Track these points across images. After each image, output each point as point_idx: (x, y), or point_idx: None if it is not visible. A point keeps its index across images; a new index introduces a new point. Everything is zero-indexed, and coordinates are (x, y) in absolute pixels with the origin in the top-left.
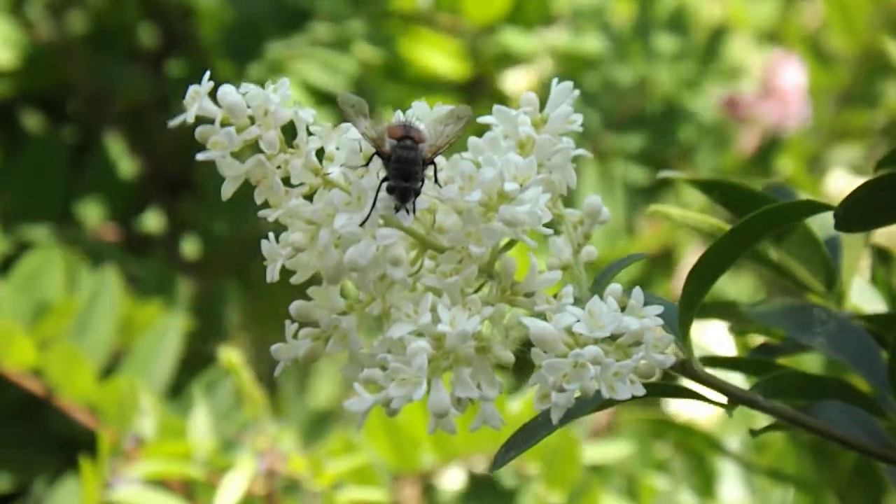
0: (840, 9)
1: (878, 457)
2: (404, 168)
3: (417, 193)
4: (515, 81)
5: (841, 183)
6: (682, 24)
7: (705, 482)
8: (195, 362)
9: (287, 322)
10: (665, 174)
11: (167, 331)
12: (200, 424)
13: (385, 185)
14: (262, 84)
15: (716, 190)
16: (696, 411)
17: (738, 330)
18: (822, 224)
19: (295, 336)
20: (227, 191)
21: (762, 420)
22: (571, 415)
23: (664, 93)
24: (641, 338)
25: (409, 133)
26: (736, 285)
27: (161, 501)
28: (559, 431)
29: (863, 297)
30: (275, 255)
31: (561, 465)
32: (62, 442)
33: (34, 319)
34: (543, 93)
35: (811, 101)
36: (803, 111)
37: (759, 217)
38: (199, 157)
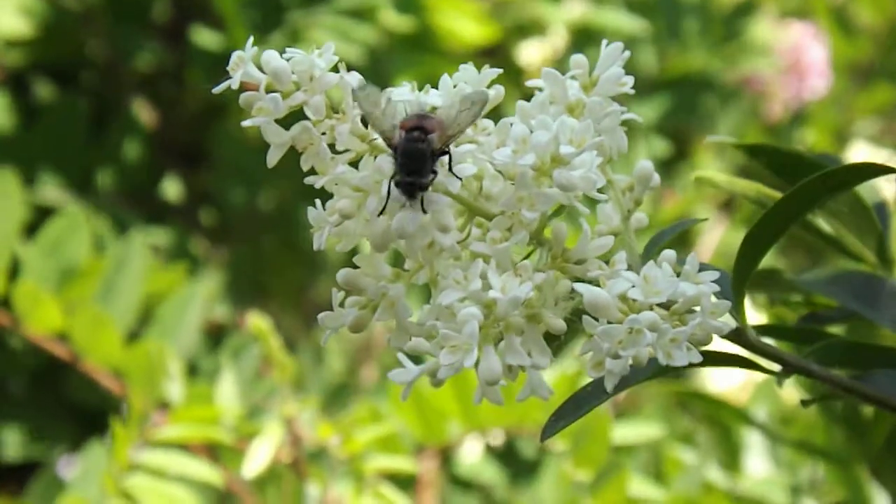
0: None
1: None
2: (410, 162)
3: (424, 188)
4: (530, 54)
5: (862, 155)
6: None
7: (731, 455)
8: (212, 331)
9: (334, 290)
10: (714, 139)
11: (192, 297)
12: (227, 390)
13: (394, 179)
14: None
15: (763, 154)
16: (720, 384)
17: (780, 301)
18: (869, 193)
19: (342, 304)
20: (273, 158)
21: (790, 393)
22: (625, 383)
23: (686, 66)
24: (698, 304)
25: (420, 123)
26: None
27: (188, 464)
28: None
29: None
30: (322, 223)
31: (590, 444)
32: (79, 413)
33: (60, 283)
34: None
35: (834, 75)
36: (821, 84)
37: (819, 180)
38: (245, 123)
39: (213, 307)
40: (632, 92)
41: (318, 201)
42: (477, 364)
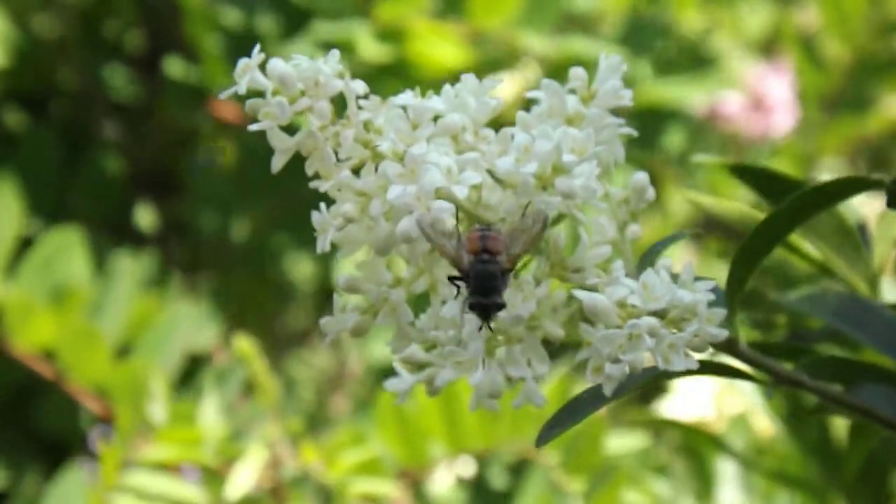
0: (836, 12)
1: None
2: (484, 284)
3: (500, 307)
4: (503, 87)
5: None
6: (672, 29)
7: (705, 486)
8: (186, 360)
9: (335, 295)
10: (700, 158)
11: (177, 321)
12: (211, 412)
13: (469, 302)
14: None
15: (748, 175)
16: (690, 415)
17: (763, 323)
18: (851, 215)
19: (343, 309)
20: (278, 163)
21: (764, 420)
22: (622, 389)
23: (652, 97)
24: (695, 311)
25: (486, 245)
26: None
27: (171, 486)
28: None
29: (893, 289)
30: (325, 226)
31: (583, 453)
32: (47, 444)
33: (52, 299)
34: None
35: (802, 107)
36: (788, 122)
37: (811, 194)
38: (252, 127)
39: (197, 333)
40: (630, 104)
41: (322, 205)
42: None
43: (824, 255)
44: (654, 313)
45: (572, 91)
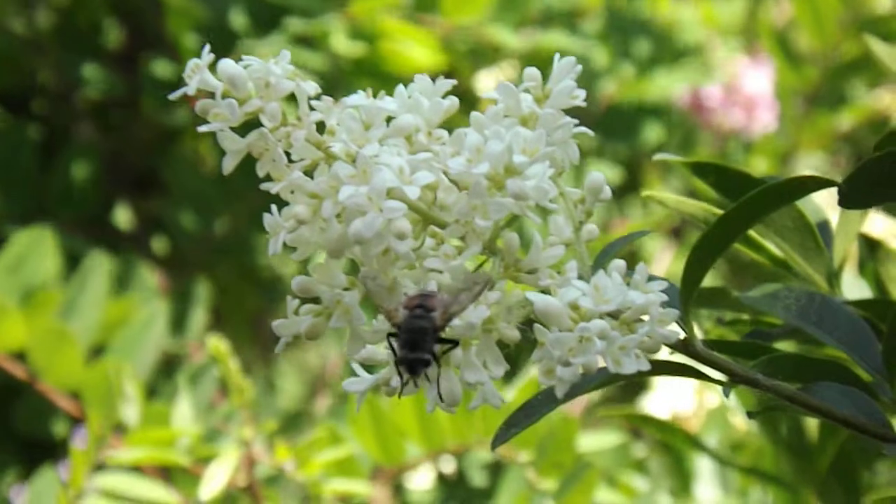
0: (810, 7)
1: (878, 436)
2: (412, 337)
3: (427, 364)
4: (486, 84)
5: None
6: (651, 23)
7: (682, 482)
8: (164, 359)
9: (289, 298)
10: (661, 157)
11: (153, 321)
12: (184, 413)
13: (397, 357)
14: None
15: (712, 173)
16: (668, 411)
17: (727, 321)
18: (812, 212)
19: (297, 312)
20: (229, 165)
21: (739, 416)
22: (575, 391)
23: (632, 91)
24: (647, 312)
25: (423, 302)
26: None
27: (143, 487)
28: (556, 414)
29: (851, 285)
30: (277, 228)
31: (555, 452)
32: (26, 445)
33: (23, 300)
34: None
35: (779, 102)
36: (769, 117)
37: (765, 193)
38: (202, 129)
39: (176, 332)
40: (584, 104)
41: (273, 207)
42: None
43: (785, 253)
44: (609, 315)
45: (528, 91)
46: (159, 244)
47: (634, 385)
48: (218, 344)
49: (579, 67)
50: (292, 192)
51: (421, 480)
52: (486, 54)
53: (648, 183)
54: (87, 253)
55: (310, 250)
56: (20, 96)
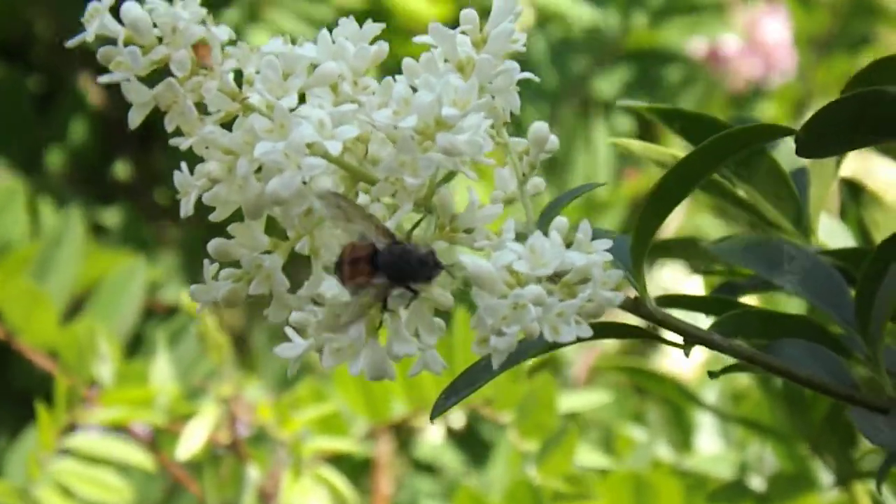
0: None
1: (841, 397)
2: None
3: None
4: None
5: None
6: None
7: (683, 434)
8: (162, 314)
9: (206, 262)
10: (624, 103)
11: (131, 276)
12: (162, 370)
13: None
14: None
15: (676, 120)
16: (679, 366)
17: (703, 270)
18: (789, 158)
19: (215, 277)
20: (135, 119)
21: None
22: (514, 359)
23: (648, 41)
24: (589, 274)
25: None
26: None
27: (119, 449)
28: (535, 376)
29: (832, 233)
30: (188, 188)
31: (536, 413)
32: (19, 397)
33: None
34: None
35: (795, 49)
36: (788, 65)
37: (718, 141)
38: (101, 80)
39: (161, 289)
40: (523, 49)
41: (184, 164)
42: None
43: (756, 201)
44: (548, 277)
45: (465, 34)
46: (160, 196)
47: (646, 344)
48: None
49: (519, 8)
50: (207, 148)
51: (431, 436)
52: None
53: (664, 136)
54: (81, 206)
55: (228, 210)
56: (17, 46)
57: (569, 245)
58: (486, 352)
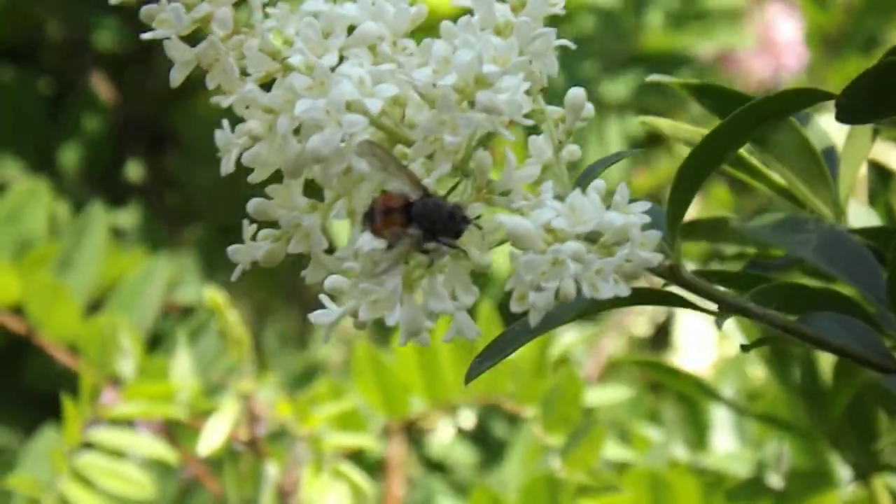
0: None
1: (876, 366)
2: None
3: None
4: None
5: (834, 127)
6: None
7: (699, 433)
8: (179, 314)
9: (245, 222)
10: (654, 78)
11: (151, 275)
12: (183, 366)
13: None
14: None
15: (708, 96)
16: (693, 363)
17: (730, 255)
18: (818, 138)
19: (253, 238)
20: (176, 78)
21: (756, 366)
22: (551, 320)
23: (659, 40)
24: (626, 235)
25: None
26: None
27: (140, 442)
28: (560, 372)
29: (859, 215)
30: (229, 146)
31: (560, 407)
32: (35, 397)
33: (18, 253)
34: None
35: (806, 45)
36: (798, 63)
37: (753, 108)
38: (145, 36)
39: (176, 289)
40: (562, 13)
41: (225, 122)
42: None
43: (787, 180)
44: (586, 237)
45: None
46: (172, 197)
47: (659, 344)
48: (214, 295)
49: None
50: (247, 108)
51: (442, 435)
52: None
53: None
54: (89, 206)
55: (267, 171)
56: (29, 48)
57: (607, 207)
58: (523, 309)
